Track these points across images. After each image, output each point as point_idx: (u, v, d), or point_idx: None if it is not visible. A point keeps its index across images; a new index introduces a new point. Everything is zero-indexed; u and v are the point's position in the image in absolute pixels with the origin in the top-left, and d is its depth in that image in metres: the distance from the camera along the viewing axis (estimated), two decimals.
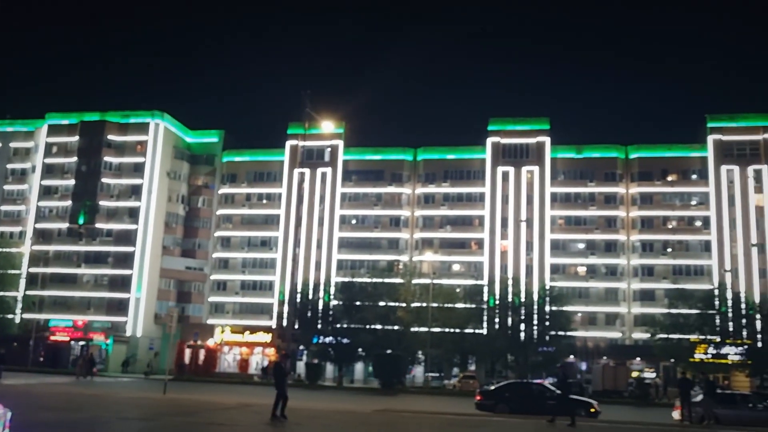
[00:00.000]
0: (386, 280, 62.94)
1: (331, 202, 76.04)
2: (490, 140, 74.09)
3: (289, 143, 77.04)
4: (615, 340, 69.74)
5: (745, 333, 58.80)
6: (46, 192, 77.21)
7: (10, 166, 79.95)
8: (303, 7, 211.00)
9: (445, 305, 59.62)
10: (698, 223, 71.43)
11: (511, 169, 73.03)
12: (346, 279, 65.26)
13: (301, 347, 62.62)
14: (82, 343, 69.11)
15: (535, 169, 72.66)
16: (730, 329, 58.38)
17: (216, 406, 24.90)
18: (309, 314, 64.47)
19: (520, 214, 71.73)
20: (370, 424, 21.23)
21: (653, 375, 61.07)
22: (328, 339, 61.88)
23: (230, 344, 65.66)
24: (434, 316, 57.48)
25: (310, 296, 66.12)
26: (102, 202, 74.99)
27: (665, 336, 57.80)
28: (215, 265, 78.59)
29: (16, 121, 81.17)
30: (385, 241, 75.52)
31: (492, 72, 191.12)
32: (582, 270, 72.47)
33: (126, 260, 73.57)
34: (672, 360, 58.57)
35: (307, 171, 76.01)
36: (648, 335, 60.53)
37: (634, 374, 59.16)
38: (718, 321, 58.64)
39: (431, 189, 75.75)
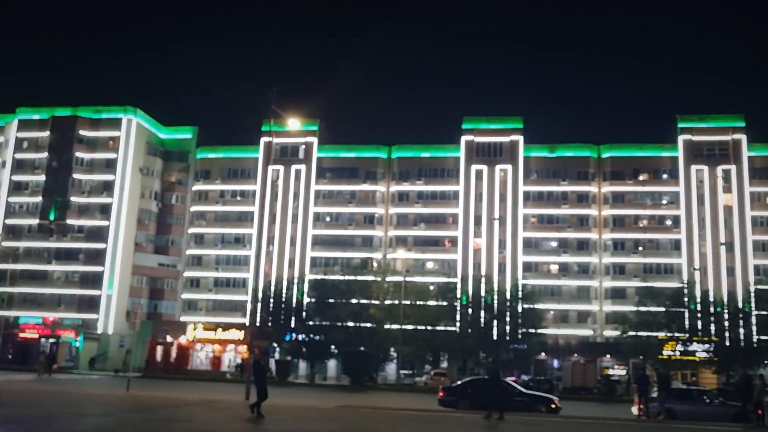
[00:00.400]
0: (359, 278, 62.98)
1: (305, 200, 75.91)
2: (464, 139, 74.41)
3: (263, 140, 76.59)
4: (586, 338, 70.50)
5: (713, 330, 59.65)
6: (17, 187, 76.23)
7: None
8: (278, 5, 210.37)
9: (418, 302, 59.90)
10: (668, 222, 72.35)
11: (484, 168, 73.38)
12: (320, 276, 65.25)
13: (274, 344, 62.39)
14: (52, 340, 68.55)
15: (509, 167, 73.08)
16: (699, 327, 59.13)
17: (178, 402, 24.76)
18: (282, 311, 64.30)
19: (493, 212, 72.11)
20: (326, 419, 21.27)
21: (623, 372, 61.71)
22: (300, 336, 61.81)
23: (203, 341, 65.19)
24: (407, 313, 57.55)
25: (284, 293, 65.91)
26: (73, 198, 74.15)
27: (635, 333, 58.43)
28: (188, 262, 78.15)
29: None
30: (359, 239, 75.54)
31: (466, 71, 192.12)
32: (554, 268, 73.11)
33: (97, 257, 72.87)
34: (641, 357, 59.23)
35: (281, 168, 75.90)
36: (618, 333, 61.16)
37: (605, 371, 59.90)
38: (686, 319, 59.42)
39: (405, 187, 75.87)
